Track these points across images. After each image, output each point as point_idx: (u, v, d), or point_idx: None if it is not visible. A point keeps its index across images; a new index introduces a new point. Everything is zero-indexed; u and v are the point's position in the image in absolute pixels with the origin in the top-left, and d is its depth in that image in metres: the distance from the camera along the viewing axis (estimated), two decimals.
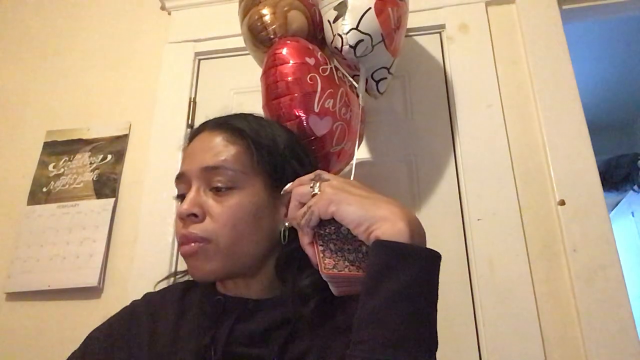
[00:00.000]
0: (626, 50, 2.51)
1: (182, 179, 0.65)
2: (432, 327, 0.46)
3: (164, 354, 0.60)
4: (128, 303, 0.70)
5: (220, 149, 0.63)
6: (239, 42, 1.11)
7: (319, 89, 0.91)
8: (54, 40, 1.69)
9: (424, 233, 0.51)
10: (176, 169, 1.36)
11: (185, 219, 0.61)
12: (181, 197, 0.65)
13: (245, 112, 0.74)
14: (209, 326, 0.61)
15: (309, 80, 0.91)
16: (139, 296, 0.72)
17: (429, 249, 0.48)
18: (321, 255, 0.53)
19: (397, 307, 0.44)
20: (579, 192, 1.15)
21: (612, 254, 1.09)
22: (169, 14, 1.61)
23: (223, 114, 0.72)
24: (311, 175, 0.57)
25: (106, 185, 1.41)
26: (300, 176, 0.64)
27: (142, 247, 1.31)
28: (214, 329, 0.60)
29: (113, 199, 1.39)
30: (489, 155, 1.23)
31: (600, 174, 1.18)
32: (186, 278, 0.74)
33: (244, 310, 0.62)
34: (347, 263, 0.52)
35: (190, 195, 0.62)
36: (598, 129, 1.97)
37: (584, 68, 2.57)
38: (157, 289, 0.73)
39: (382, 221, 0.49)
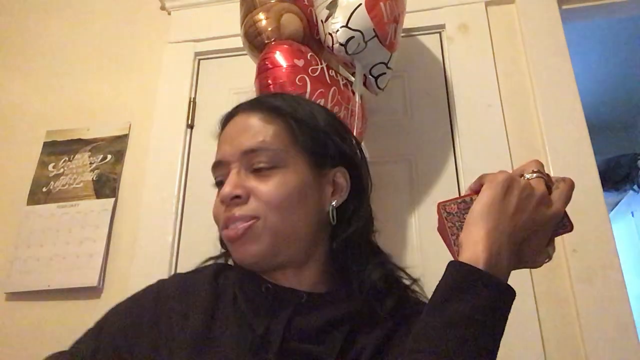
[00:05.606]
0: (626, 50, 2.51)
1: (220, 165, 0.62)
2: (490, 358, 0.46)
3: (199, 338, 0.57)
4: None
5: (258, 130, 0.60)
6: (239, 42, 1.12)
7: (308, 90, 0.93)
8: (54, 40, 1.69)
9: (508, 267, 0.49)
10: (176, 168, 1.38)
11: (229, 202, 0.58)
12: (220, 183, 0.61)
13: (280, 92, 0.72)
14: (260, 316, 0.58)
15: (298, 82, 0.92)
16: None
17: (504, 283, 0.47)
18: None
19: (459, 329, 0.44)
20: (579, 192, 1.13)
21: (611, 254, 1.09)
22: (169, 14, 1.61)
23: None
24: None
25: (106, 185, 1.41)
26: (346, 154, 0.64)
27: (142, 247, 1.31)
28: (266, 320, 0.57)
29: (113, 199, 1.39)
30: (488, 155, 1.23)
31: (600, 174, 1.18)
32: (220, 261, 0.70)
33: (298, 303, 0.58)
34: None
35: (232, 177, 0.59)
36: (598, 129, 1.97)
37: (584, 68, 2.57)
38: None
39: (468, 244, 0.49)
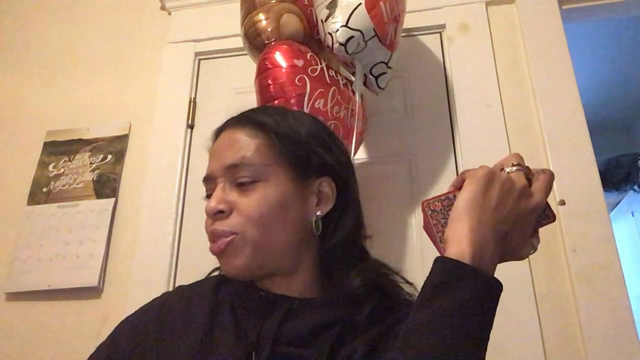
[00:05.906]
0: (626, 50, 2.51)
1: (208, 180, 0.64)
2: (479, 352, 0.46)
3: (199, 346, 0.59)
4: (128, 303, 0.70)
5: (242, 145, 0.62)
6: (239, 42, 1.12)
7: (308, 89, 0.93)
8: (54, 40, 1.69)
9: (493, 261, 0.50)
10: (176, 168, 1.38)
11: (213, 216, 0.61)
12: (209, 197, 0.64)
13: (269, 105, 0.73)
14: (254, 322, 0.60)
15: (297, 82, 0.93)
16: (139, 296, 0.72)
17: (490, 276, 0.48)
18: None
19: (447, 324, 0.45)
20: (579, 192, 1.15)
21: (612, 254, 1.09)
22: (169, 14, 1.61)
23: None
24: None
25: (106, 185, 1.41)
26: (329, 164, 0.64)
27: (142, 247, 1.31)
28: (259, 325, 0.59)
29: (113, 199, 1.39)
30: (488, 155, 1.22)
31: (600, 174, 1.18)
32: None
33: (289, 309, 0.60)
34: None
35: (217, 192, 0.61)
36: (598, 129, 1.98)
37: (584, 68, 2.57)
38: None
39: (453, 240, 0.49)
